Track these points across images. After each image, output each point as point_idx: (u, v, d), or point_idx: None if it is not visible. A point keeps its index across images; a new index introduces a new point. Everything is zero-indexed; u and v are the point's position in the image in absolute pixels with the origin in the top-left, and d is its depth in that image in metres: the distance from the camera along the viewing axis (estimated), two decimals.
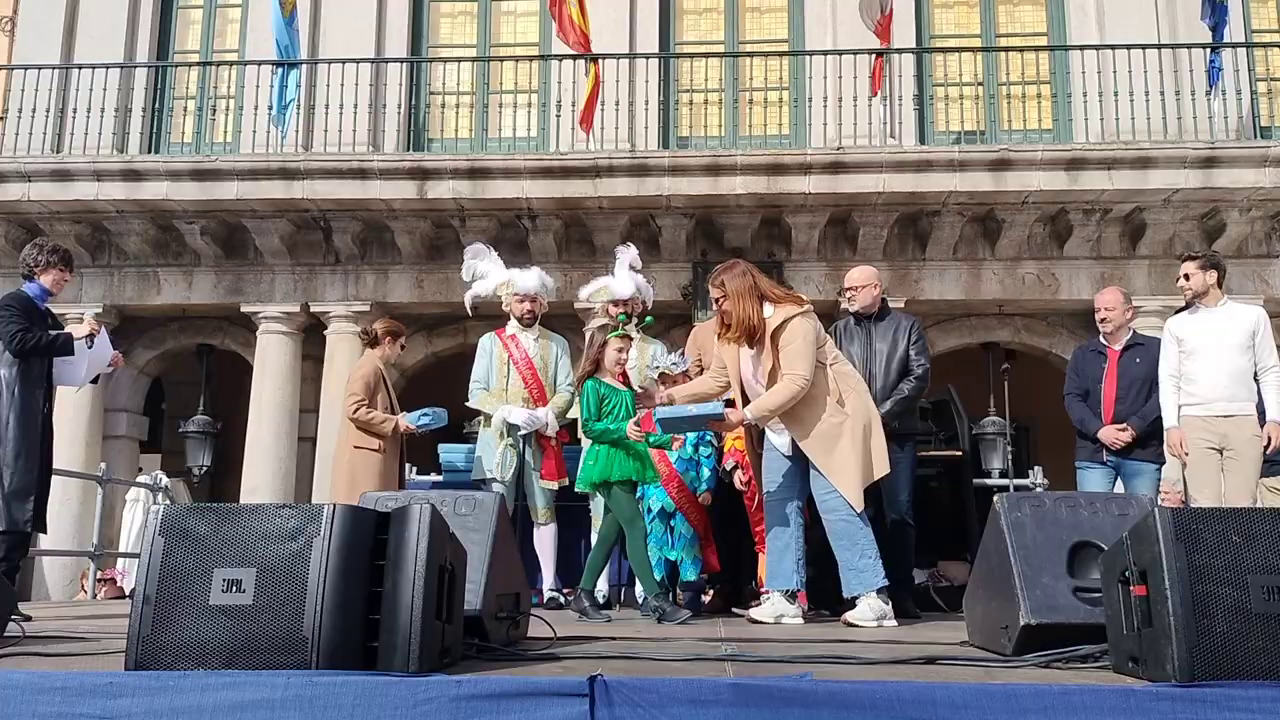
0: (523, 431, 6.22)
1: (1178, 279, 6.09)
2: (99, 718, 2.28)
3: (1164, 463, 6.15)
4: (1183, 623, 2.32)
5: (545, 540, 6.40)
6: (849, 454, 4.72)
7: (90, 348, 5.75)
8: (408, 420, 6.49)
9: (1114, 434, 6.01)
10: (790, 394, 4.66)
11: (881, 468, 4.82)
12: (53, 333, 5.60)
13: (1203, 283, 5.95)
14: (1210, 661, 2.30)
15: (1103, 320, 6.28)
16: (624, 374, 5.30)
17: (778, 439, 4.95)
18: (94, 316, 6.17)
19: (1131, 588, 2.54)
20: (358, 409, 6.46)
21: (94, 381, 6.33)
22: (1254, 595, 2.33)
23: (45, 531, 5.83)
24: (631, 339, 5.28)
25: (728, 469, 5.71)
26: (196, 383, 13.26)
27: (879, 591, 4.67)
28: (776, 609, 4.81)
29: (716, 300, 4.92)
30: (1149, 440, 6.04)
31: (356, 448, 6.51)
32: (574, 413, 6.52)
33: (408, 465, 7.27)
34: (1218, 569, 2.37)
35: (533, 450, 6.31)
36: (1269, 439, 5.68)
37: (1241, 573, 2.35)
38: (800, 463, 4.87)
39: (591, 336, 5.36)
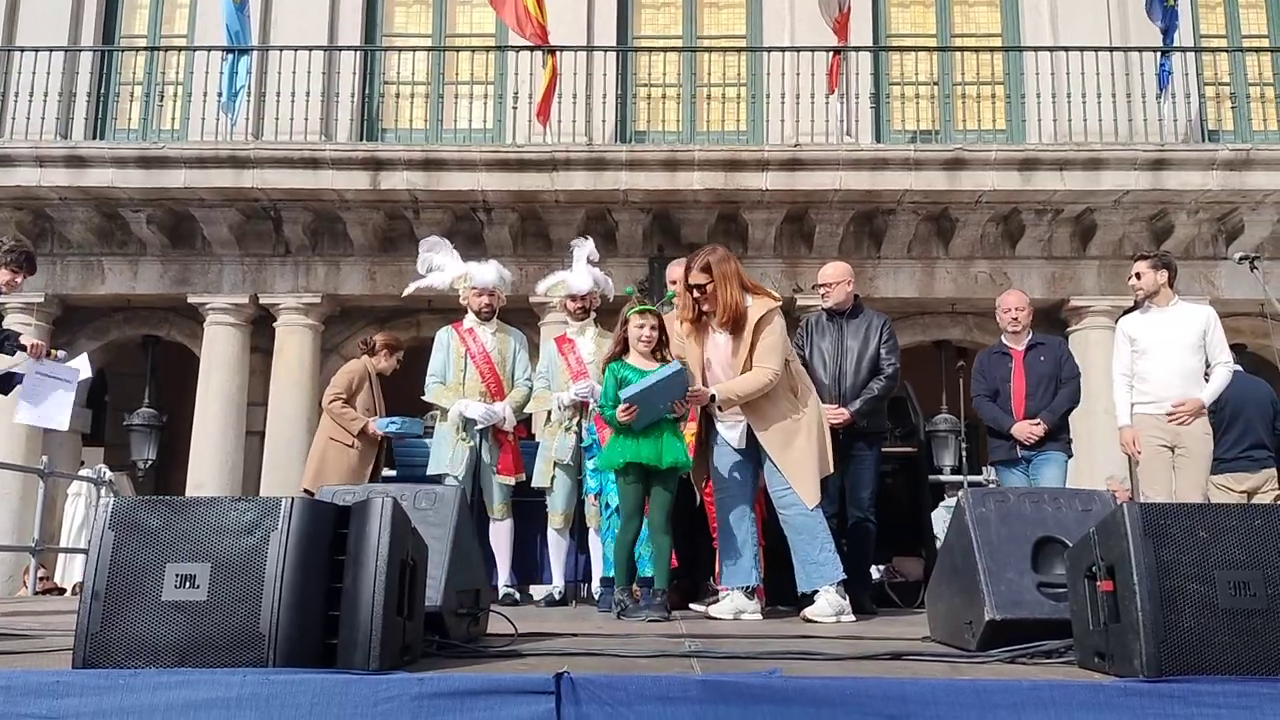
0: (479, 426, 6.14)
1: (1129, 278, 6.19)
2: (44, 717, 2.18)
3: (1071, 454, 6.28)
4: (1150, 618, 2.32)
5: (501, 536, 6.33)
6: (806, 450, 4.74)
7: (43, 374, 5.56)
8: (377, 425, 6.82)
9: (1028, 429, 6.11)
10: (760, 384, 4.68)
11: (828, 466, 4.89)
12: None
13: (1154, 282, 6.05)
14: (1178, 657, 2.30)
15: (1014, 320, 6.38)
16: (654, 351, 5.09)
17: (728, 433, 4.94)
18: (60, 355, 5.95)
19: (1098, 583, 2.54)
20: (333, 401, 6.90)
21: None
22: (1221, 590, 2.34)
23: None
24: (657, 314, 5.10)
25: None
26: (141, 375, 12.96)
27: (837, 586, 4.66)
28: (735, 605, 4.79)
29: (699, 285, 4.84)
30: (1059, 433, 6.19)
31: (331, 439, 6.89)
32: (531, 408, 6.45)
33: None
34: (1185, 564, 2.37)
35: (489, 445, 6.23)
36: (1185, 409, 5.81)
37: (1208, 568, 2.35)
38: (752, 458, 4.86)
39: (621, 317, 5.16)
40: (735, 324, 4.80)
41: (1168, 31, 10.86)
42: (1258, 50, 11.86)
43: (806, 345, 6.00)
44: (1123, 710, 2.25)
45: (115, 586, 2.32)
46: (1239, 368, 7.89)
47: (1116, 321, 6.62)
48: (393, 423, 6.86)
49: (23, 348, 5.64)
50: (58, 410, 5.70)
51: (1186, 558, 2.38)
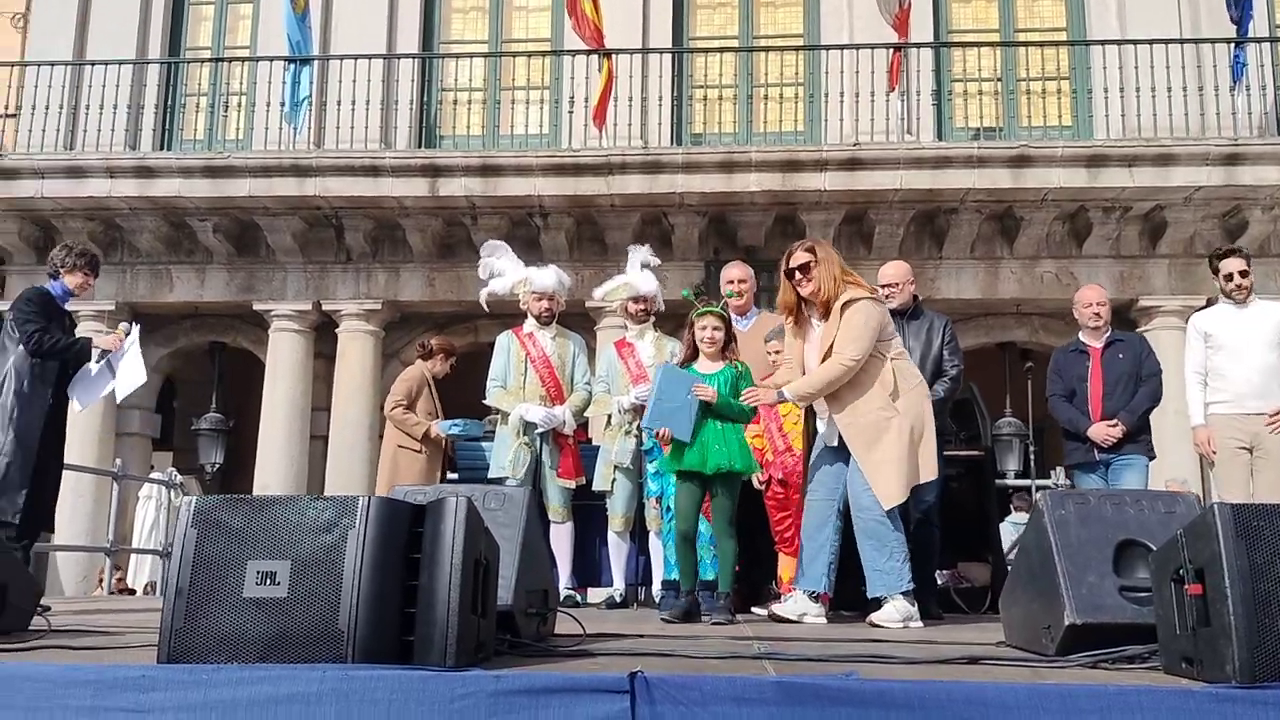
0: (539, 430, 6.16)
1: (1228, 275, 5.86)
2: (131, 711, 2.22)
3: (1154, 456, 6.07)
4: (1244, 622, 2.24)
5: (561, 539, 6.33)
6: (892, 451, 4.55)
7: (111, 363, 5.69)
8: (439, 427, 6.95)
9: (1105, 430, 5.89)
10: (833, 375, 4.53)
11: (928, 473, 4.63)
12: (71, 338, 5.58)
13: (1250, 279, 5.88)
14: (1272, 662, 2.22)
15: (1095, 315, 6.18)
16: (725, 354, 5.03)
17: (825, 429, 4.82)
18: (124, 329, 6.08)
19: (1186, 586, 2.47)
20: (394, 408, 7.10)
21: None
22: None
23: (51, 530, 5.78)
24: (721, 315, 5.08)
25: None
26: (209, 381, 13.23)
27: (905, 594, 4.58)
28: (800, 607, 4.72)
29: (801, 266, 4.75)
30: (1139, 434, 5.95)
31: (400, 446, 7.08)
32: (591, 412, 6.46)
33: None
34: (1278, 566, 2.30)
35: (549, 449, 6.24)
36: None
37: None
38: (845, 458, 4.71)
39: (689, 321, 5.15)
40: (827, 311, 4.68)
41: (1241, 22, 10.57)
42: None
43: None
44: (1214, 716, 2.19)
45: (198, 583, 2.36)
46: None
47: (1188, 321, 6.40)
48: (455, 425, 6.95)
49: (105, 351, 5.76)
50: (98, 394, 5.80)
51: None
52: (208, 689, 2.19)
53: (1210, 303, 6.16)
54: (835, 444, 4.75)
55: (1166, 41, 10.68)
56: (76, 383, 5.69)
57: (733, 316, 6.23)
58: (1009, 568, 4.89)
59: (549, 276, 6.54)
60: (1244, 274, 5.87)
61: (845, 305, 4.61)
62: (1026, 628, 3.19)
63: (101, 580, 10.87)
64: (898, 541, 4.60)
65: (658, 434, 4.90)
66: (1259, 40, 10.88)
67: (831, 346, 4.59)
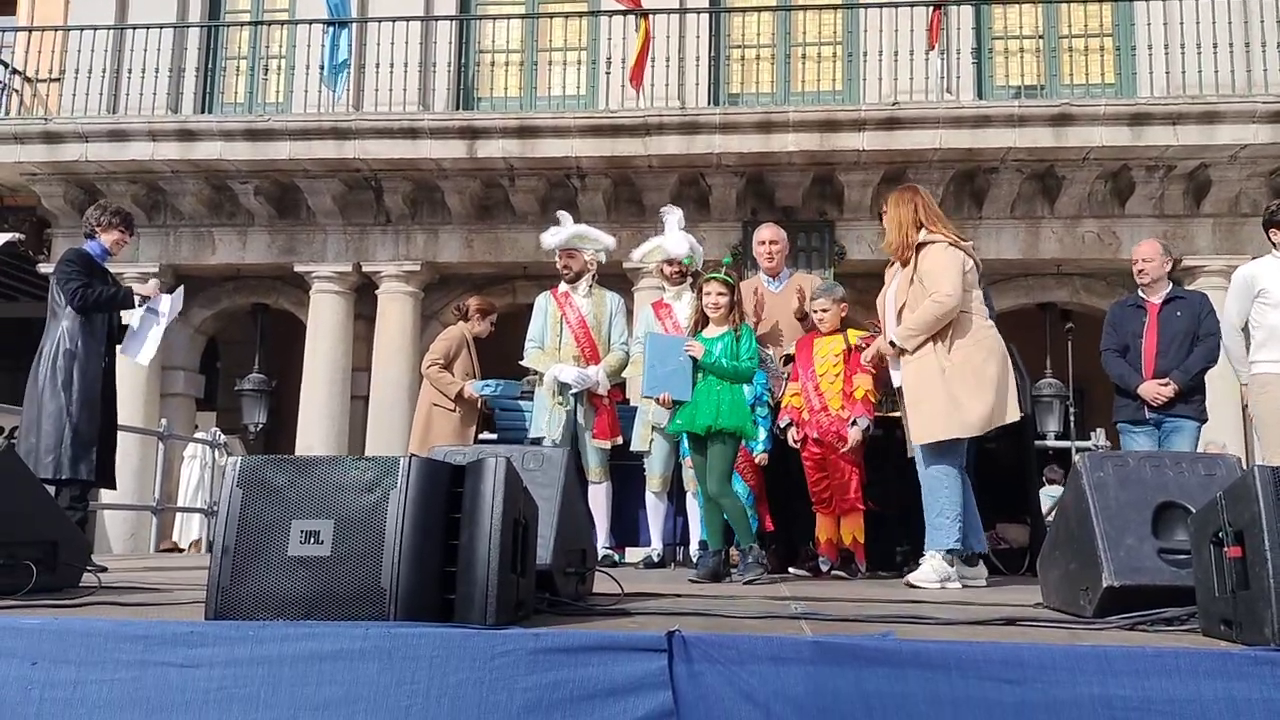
0: (574, 390, 6.18)
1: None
2: (180, 666, 2.29)
3: (1206, 419, 5.95)
4: None
5: (598, 499, 6.38)
6: (935, 402, 4.51)
7: (154, 310, 5.80)
8: (473, 387, 7.00)
9: (1155, 389, 5.77)
10: (934, 313, 4.50)
11: (966, 426, 4.48)
12: (114, 288, 5.69)
13: None
14: None
15: (1140, 272, 6.04)
16: (731, 318, 5.05)
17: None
18: (156, 283, 6.21)
19: (1225, 549, 2.46)
20: (430, 366, 7.15)
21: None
22: None
23: (114, 487, 5.91)
24: (725, 281, 5.10)
25: (782, 426, 5.63)
26: (251, 342, 13.41)
27: (944, 553, 4.56)
28: (938, 571, 4.51)
29: (884, 215, 4.85)
30: (1191, 395, 5.82)
31: (434, 404, 7.12)
32: (628, 372, 6.49)
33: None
34: None
35: (585, 409, 6.27)
36: None
37: None
38: None
39: (698, 287, 5.21)
40: (902, 259, 4.72)
41: None
42: None
43: None
44: (1253, 679, 2.18)
45: (244, 542, 2.41)
46: None
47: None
48: (487, 385, 7.01)
49: (144, 297, 5.86)
50: (150, 344, 5.90)
51: None
52: (254, 645, 2.25)
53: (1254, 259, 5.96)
54: None
55: None
56: (128, 341, 5.81)
57: (765, 278, 6.22)
58: (1047, 529, 4.87)
59: (680, 243, 6.36)
60: None
61: (922, 246, 4.63)
62: (1064, 589, 3.19)
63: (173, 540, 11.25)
64: (948, 497, 4.55)
65: (660, 399, 4.97)
66: None
67: (907, 301, 4.62)
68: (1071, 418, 9.42)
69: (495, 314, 7.65)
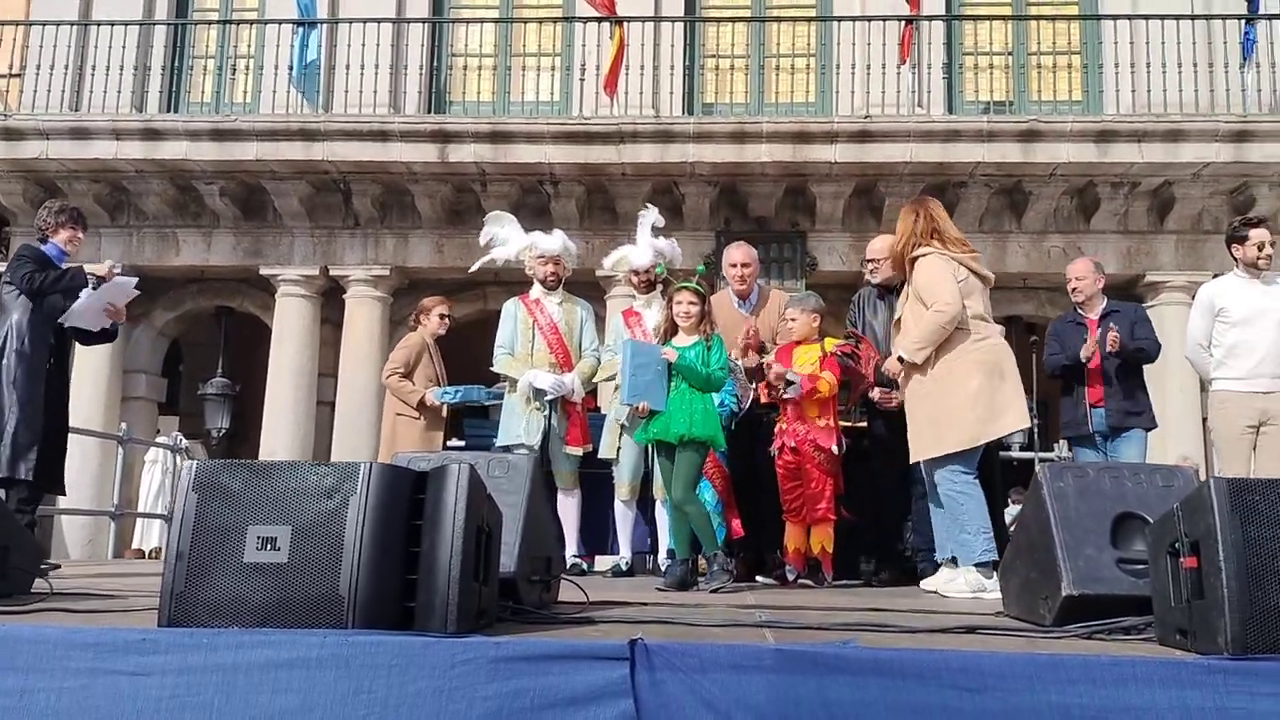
0: (549, 396, 6.16)
1: (1259, 245, 5.73)
2: (131, 674, 2.25)
3: (1154, 426, 6.07)
4: (1236, 595, 2.26)
5: (569, 507, 6.36)
6: (918, 421, 4.65)
7: (103, 286, 5.67)
8: (433, 395, 6.93)
9: (1094, 345, 5.90)
10: (938, 323, 4.54)
11: (957, 441, 4.53)
12: (62, 270, 5.58)
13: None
14: (1264, 634, 2.24)
15: (1074, 290, 6.24)
16: (701, 328, 5.09)
17: None
18: (111, 263, 6.10)
19: (1181, 559, 2.49)
20: (390, 376, 7.06)
21: (109, 339, 6.14)
22: None
23: (64, 493, 5.80)
24: (697, 290, 5.12)
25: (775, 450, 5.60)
26: (215, 345, 13.26)
27: (980, 565, 4.50)
28: (971, 583, 4.52)
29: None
30: (1139, 408, 5.99)
31: (398, 414, 7.04)
32: (599, 378, 6.47)
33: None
34: (1273, 541, 2.31)
35: (558, 416, 6.26)
36: None
37: None
38: None
39: (668, 295, 5.23)
40: (900, 271, 4.88)
41: None
42: None
43: (858, 322, 5.92)
44: (1206, 688, 2.20)
45: (199, 547, 2.38)
46: None
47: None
48: (448, 392, 6.95)
49: (99, 278, 5.74)
50: (82, 305, 5.73)
51: (1274, 534, 2.32)
52: (208, 652, 2.22)
53: (1216, 278, 6.09)
54: None
55: (1178, 17, 10.57)
56: (72, 312, 5.61)
57: (735, 298, 6.22)
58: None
59: (555, 240, 6.53)
60: (1273, 244, 5.82)
61: (915, 260, 4.73)
62: (1025, 598, 3.22)
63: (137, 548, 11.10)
64: (968, 512, 4.55)
65: (638, 409, 4.96)
66: (1270, 17, 10.77)
67: (901, 317, 4.76)
68: (1035, 429, 9.50)
69: (449, 310, 7.51)
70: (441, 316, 7.35)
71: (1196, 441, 10.32)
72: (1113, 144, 10.40)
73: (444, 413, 7.07)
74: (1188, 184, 10.71)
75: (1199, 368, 5.95)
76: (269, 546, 2.36)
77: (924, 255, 4.70)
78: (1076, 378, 6.14)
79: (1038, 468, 3.15)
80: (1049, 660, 2.26)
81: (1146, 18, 10.67)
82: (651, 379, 4.87)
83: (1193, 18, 10.66)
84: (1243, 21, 10.57)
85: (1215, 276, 6.14)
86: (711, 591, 4.56)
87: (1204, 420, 9.09)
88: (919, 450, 4.68)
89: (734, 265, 6.16)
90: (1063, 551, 2.91)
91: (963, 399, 4.55)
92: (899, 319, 4.84)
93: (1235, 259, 5.88)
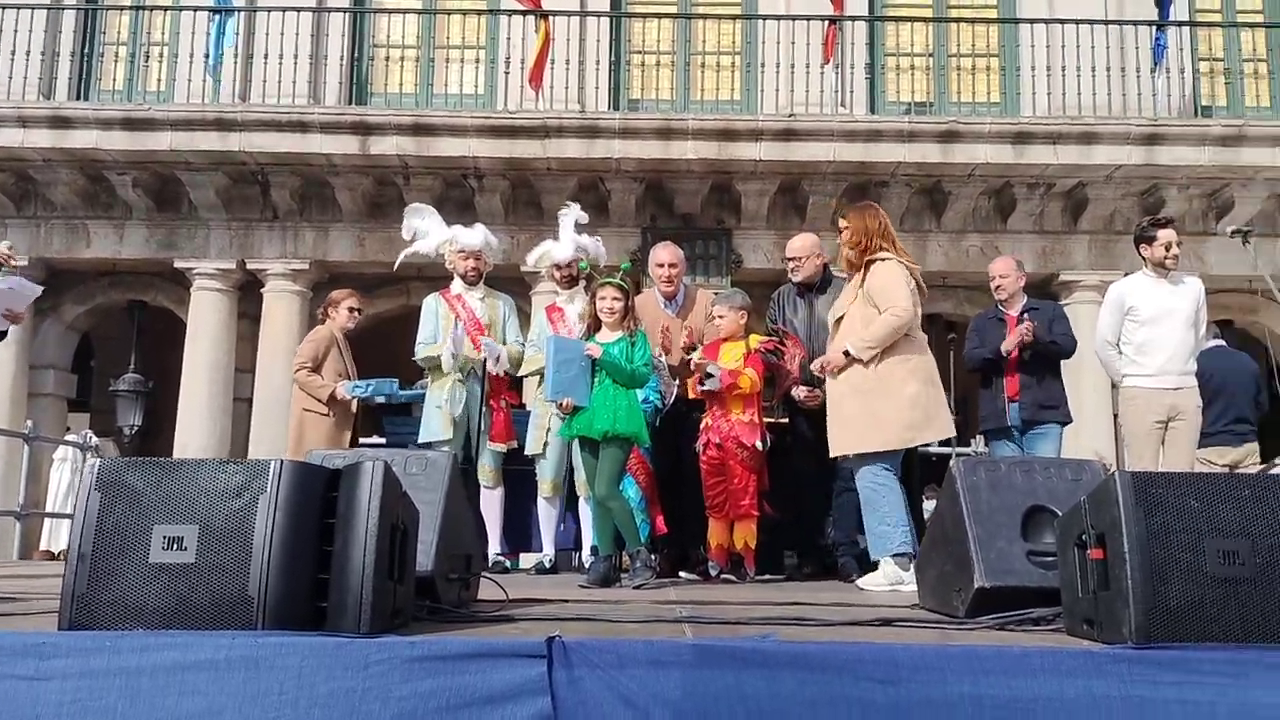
0: (484, 355, 6.05)
1: (1167, 245, 5.93)
2: (30, 679, 2.17)
3: (1070, 420, 6.23)
4: (1140, 586, 2.32)
5: (492, 504, 6.32)
6: (855, 415, 4.77)
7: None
8: (345, 389, 6.77)
9: (1018, 337, 6.02)
10: (892, 325, 4.69)
11: (885, 441, 4.72)
12: None
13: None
14: (1166, 624, 2.30)
15: (998, 288, 6.39)
16: (624, 324, 5.09)
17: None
18: (7, 244, 5.83)
19: (1088, 551, 2.55)
20: (299, 370, 6.85)
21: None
22: (1210, 559, 2.34)
23: None
24: (621, 286, 5.11)
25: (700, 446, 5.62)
26: (127, 340, 12.88)
27: (897, 556, 4.66)
28: (889, 575, 4.69)
29: (842, 231, 5.08)
30: (1054, 403, 6.13)
31: (305, 409, 6.85)
32: (524, 370, 6.42)
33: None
34: (1175, 533, 2.37)
35: (483, 411, 6.20)
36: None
37: (1198, 537, 2.36)
38: None
39: (591, 291, 5.21)
40: (854, 268, 4.98)
41: (1163, 6, 10.80)
42: (1252, 26, 11.81)
43: (778, 319, 5.97)
44: (1111, 677, 2.26)
45: (102, 548, 2.30)
46: (1223, 343, 7.92)
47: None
48: (359, 385, 6.79)
49: None
50: None
51: (1177, 526, 2.38)
52: (111, 655, 2.14)
53: (1127, 274, 6.26)
54: None
55: (1092, 22, 10.87)
56: None
57: (661, 299, 6.22)
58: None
59: (475, 235, 6.48)
60: (1179, 244, 6.01)
61: (872, 262, 4.85)
62: (940, 590, 3.27)
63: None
64: (887, 505, 4.71)
65: (560, 405, 4.95)
66: (1179, 24, 11.13)
67: (853, 305, 4.88)
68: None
69: (359, 303, 7.36)
70: (351, 310, 7.21)
71: (1109, 437, 10.62)
72: (1029, 146, 10.65)
73: (353, 408, 6.91)
74: (1101, 185, 11.01)
75: (1106, 365, 6.11)
76: (175, 546, 2.30)
77: (883, 259, 4.83)
78: (996, 371, 6.27)
79: (952, 463, 3.21)
80: (961, 652, 2.30)
81: (1062, 22, 10.94)
82: (575, 375, 4.86)
83: (1106, 23, 10.96)
84: (1153, 28, 10.90)
85: (1126, 275, 6.31)
86: (635, 588, 4.56)
87: (1115, 416, 9.36)
88: (844, 444, 4.81)
89: (660, 265, 6.14)
90: (975, 545, 2.97)
91: (900, 402, 4.72)
92: (840, 317, 4.92)
93: (1144, 259, 6.06)
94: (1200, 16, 11.85)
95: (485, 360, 6.08)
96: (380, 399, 6.92)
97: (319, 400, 6.81)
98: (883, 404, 4.71)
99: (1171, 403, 5.81)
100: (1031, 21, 11.22)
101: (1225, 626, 2.32)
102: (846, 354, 4.80)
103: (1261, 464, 7.62)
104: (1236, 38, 11.76)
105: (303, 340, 7.24)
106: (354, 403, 6.87)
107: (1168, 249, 5.94)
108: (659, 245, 6.39)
